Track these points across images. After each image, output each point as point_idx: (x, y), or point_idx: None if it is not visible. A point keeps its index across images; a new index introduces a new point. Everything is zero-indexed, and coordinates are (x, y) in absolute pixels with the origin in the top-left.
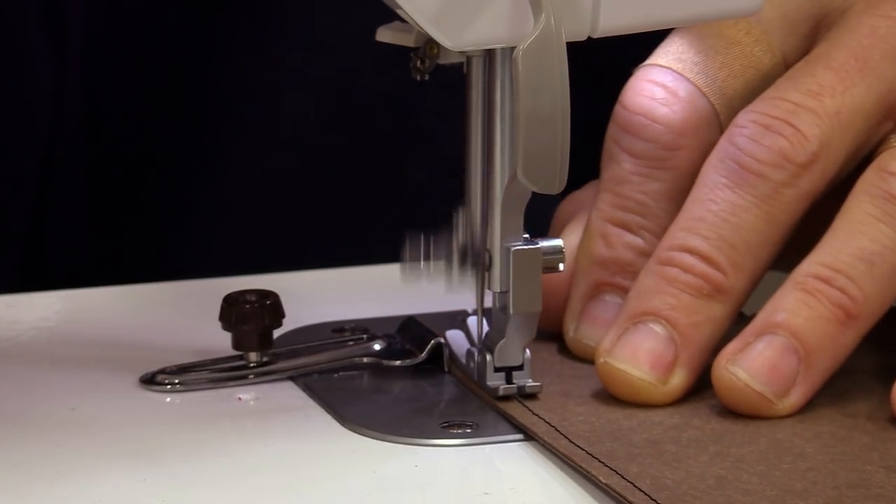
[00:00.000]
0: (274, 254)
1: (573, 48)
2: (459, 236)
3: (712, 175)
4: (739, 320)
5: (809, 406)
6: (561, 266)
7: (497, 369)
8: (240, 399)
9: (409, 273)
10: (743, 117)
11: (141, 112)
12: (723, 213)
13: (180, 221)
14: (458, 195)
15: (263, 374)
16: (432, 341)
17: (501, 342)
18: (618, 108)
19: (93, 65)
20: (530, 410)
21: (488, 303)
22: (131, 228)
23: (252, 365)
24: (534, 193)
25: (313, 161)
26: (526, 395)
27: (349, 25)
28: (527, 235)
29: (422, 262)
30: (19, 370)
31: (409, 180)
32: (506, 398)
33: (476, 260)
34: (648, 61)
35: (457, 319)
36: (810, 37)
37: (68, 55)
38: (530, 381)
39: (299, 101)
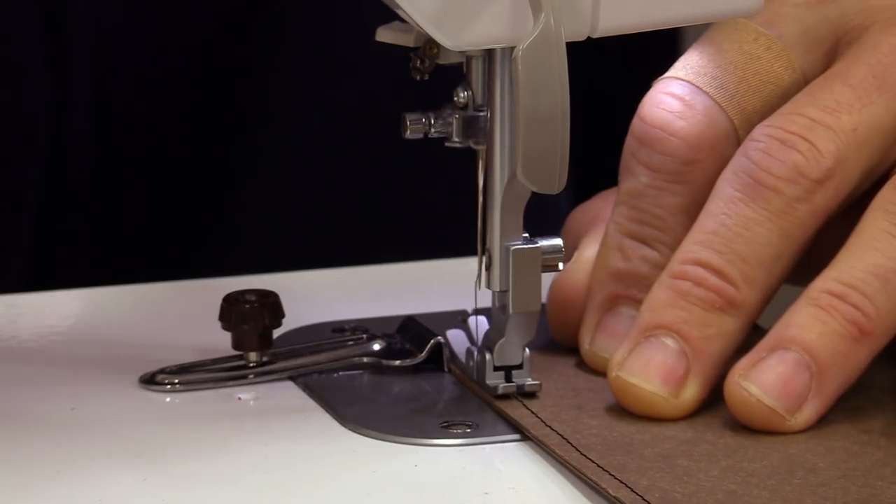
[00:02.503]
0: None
1: (585, 53)
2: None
3: (726, 189)
4: (756, 333)
5: (824, 421)
6: (560, 265)
7: (496, 368)
8: (240, 399)
9: None
10: (759, 131)
11: (150, 126)
12: (736, 227)
13: (193, 236)
14: (472, 220)
15: (263, 373)
16: (432, 341)
17: (501, 341)
18: (635, 121)
19: (102, 77)
20: (543, 422)
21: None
22: (142, 238)
23: (252, 365)
24: (534, 193)
25: (328, 174)
26: (525, 394)
27: (369, 45)
28: (526, 234)
29: None
30: (19, 370)
31: (427, 201)
32: (505, 397)
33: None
34: (668, 74)
35: (456, 319)
36: (830, 54)
37: (73, 66)
38: (530, 379)
39: (315, 117)
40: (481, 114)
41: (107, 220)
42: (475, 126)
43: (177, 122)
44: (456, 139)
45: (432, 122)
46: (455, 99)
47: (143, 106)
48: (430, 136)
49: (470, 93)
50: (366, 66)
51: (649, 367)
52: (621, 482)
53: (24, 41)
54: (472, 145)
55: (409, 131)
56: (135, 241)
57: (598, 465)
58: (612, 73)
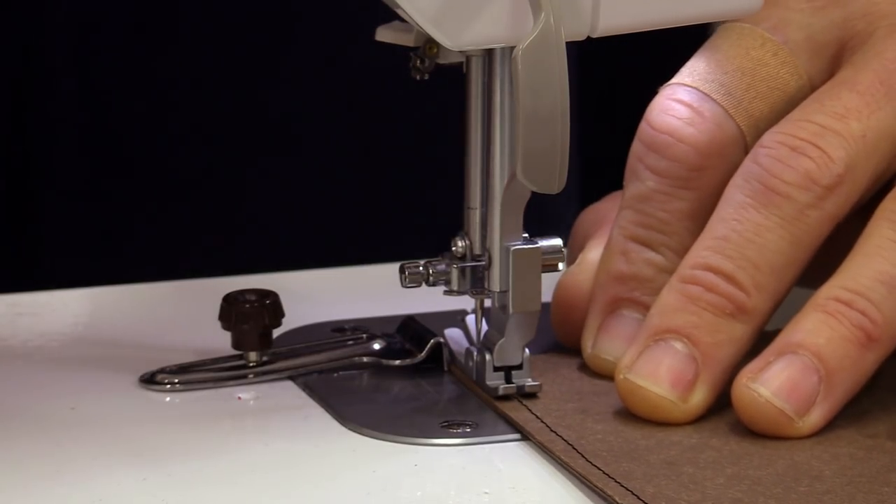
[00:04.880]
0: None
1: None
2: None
3: (737, 195)
4: (762, 337)
5: (829, 427)
6: (560, 266)
7: (496, 369)
8: (240, 398)
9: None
10: (769, 138)
11: (145, 119)
12: (747, 233)
13: (219, 237)
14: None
15: (263, 373)
16: (432, 341)
17: (501, 341)
18: (643, 126)
19: (113, 81)
20: (549, 427)
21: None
22: (134, 232)
23: (252, 364)
24: (534, 193)
25: (326, 177)
26: (525, 395)
27: (375, 48)
28: (526, 235)
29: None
30: (19, 370)
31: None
32: (505, 398)
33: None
34: (674, 80)
35: (456, 319)
36: (835, 58)
37: (55, 54)
38: (529, 380)
39: (318, 116)
40: (480, 264)
41: (96, 218)
42: (474, 276)
43: (178, 119)
44: (455, 288)
45: (430, 271)
46: (453, 248)
47: (136, 101)
48: (428, 284)
49: (468, 242)
50: (372, 70)
51: (658, 370)
52: (627, 489)
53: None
54: (470, 294)
55: (407, 280)
56: (126, 238)
57: (604, 473)
58: (628, 73)
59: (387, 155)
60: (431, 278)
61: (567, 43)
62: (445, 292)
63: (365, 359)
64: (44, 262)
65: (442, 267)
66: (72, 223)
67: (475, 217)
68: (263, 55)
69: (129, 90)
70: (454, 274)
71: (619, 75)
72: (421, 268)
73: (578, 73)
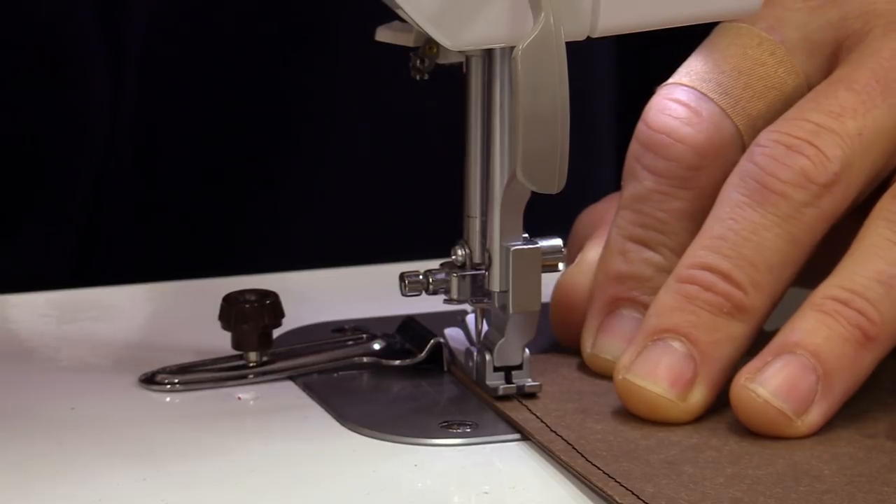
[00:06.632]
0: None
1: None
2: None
3: (733, 194)
4: (760, 336)
5: (829, 426)
6: (560, 266)
7: (496, 369)
8: (239, 399)
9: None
10: (765, 137)
11: (194, 127)
12: (744, 231)
13: (232, 236)
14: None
15: (263, 373)
16: (432, 341)
17: (501, 342)
18: (640, 126)
19: (149, 80)
20: (548, 427)
21: None
22: (184, 241)
23: (252, 365)
24: (534, 193)
25: (364, 184)
26: (525, 395)
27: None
28: (526, 235)
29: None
30: (19, 370)
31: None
32: (505, 398)
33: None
34: (671, 80)
35: (456, 319)
36: (832, 58)
37: (125, 67)
38: (529, 380)
39: (353, 125)
40: (479, 272)
41: (148, 217)
42: (474, 284)
43: (219, 122)
44: (455, 297)
45: (430, 280)
46: (453, 257)
47: (189, 103)
48: (428, 293)
49: (468, 251)
50: (370, 71)
51: (657, 370)
52: (627, 489)
53: (87, 45)
54: (471, 303)
55: (407, 288)
56: (170, 241)
57: (604, 472)
58: (666, 71)
59: (387, 154)
60: (431, 287)
61: (601, 41)
62: (445, 301)
63: (365, 359)
64: (91, 264)
65: (442, 276)
66: (71, 224)
67: (475, 225)
68: (264, 58)
69: (178, 88)
70: (454, 282)
71: (656, 73)
72: (421, 276)
73: (617, 72)
